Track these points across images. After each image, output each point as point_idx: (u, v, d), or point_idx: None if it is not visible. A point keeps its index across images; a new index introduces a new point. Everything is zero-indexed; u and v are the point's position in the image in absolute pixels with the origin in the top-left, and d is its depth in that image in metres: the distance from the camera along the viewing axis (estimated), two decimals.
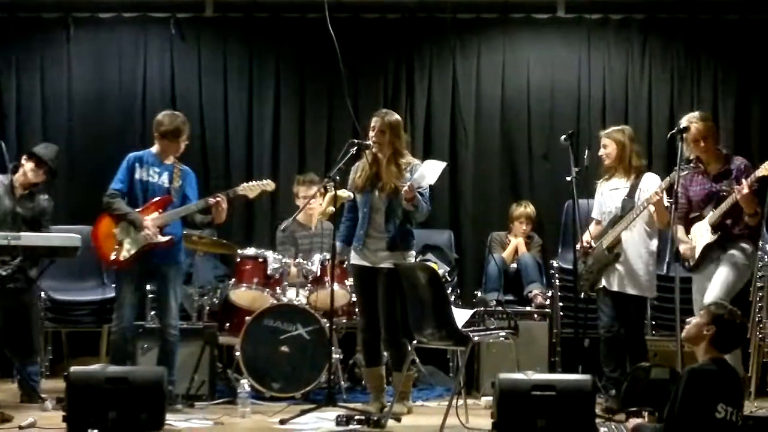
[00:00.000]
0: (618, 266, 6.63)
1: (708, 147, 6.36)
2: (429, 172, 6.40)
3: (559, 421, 5.16)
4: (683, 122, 6.41)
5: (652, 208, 6.52)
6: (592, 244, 6.77)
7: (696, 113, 6.55)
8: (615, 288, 6.66)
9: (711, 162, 6.40)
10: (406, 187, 6.29)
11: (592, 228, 6.91)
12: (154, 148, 6.75)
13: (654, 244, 6.73)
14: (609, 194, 6.79)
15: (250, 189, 6.83)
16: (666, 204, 6.40)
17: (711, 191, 6.33)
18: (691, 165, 6.40)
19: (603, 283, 6.69)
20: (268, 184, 6.92)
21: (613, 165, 6.76)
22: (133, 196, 6.65)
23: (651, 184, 6.65)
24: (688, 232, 6.44)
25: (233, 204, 6.85)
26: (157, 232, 6.55)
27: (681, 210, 6.38)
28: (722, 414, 4.69)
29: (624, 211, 6.66)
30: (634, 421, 5.34)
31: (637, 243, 6.67)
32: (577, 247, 6.81)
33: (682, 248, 6.38)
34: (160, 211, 6.61)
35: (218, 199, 6.62)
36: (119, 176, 6.69)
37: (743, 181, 6.08)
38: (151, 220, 6.55)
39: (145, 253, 6.58)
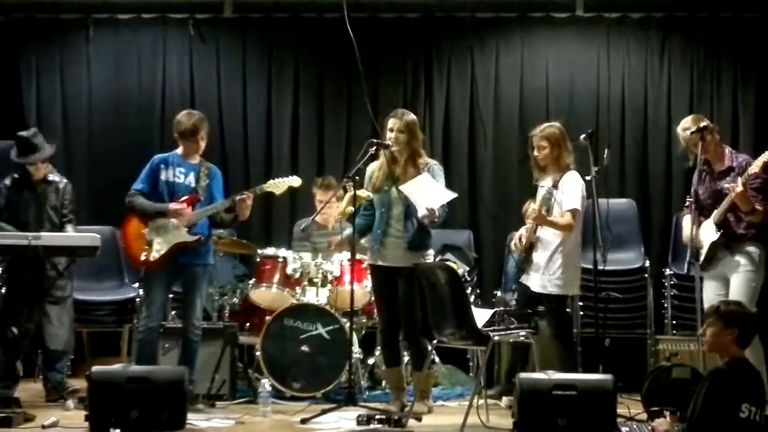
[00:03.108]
0: (532, 269, 6.58)
1: (707, 148, 6.23)
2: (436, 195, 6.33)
3: (581, 420, 5.15)
4: (679, 131, 6.36)
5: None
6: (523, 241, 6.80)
7: (688, 118, 6.48)
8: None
9: (715, 161, 6.29)
10: (425, 213, 6.23)
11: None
12: (179, 149, 6.79)
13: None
14: (538, 192, 6.70)
15: (276, 186, 6.86)
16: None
17: (715, 190, 6.24)
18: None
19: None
20: (294, 180, 6.95)
21: (547, 164, 6.56)
22: (159, 198, 6.67)
23: (567, 183, 6.45)
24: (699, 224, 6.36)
25: (255, 201, 6.86)
26: (190, 214, 6.57)
27: (695, 207, 6.33)
28: (746, 414, 4.68)
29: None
30: (659, 422, 5.32)
31: (550, 241, 6.48)
32: (513, 244, 6.84)
33: (684, 238, 6.33)
34: (188, 209, 6.64)
35: (244, 196, 6.64)
36: (141, 177, 6.74)
37: (738, 179, 6.03)
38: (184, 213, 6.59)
39: (174, 252, 6.60)
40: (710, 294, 6.18)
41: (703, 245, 6.24)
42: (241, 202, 6.62)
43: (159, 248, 6.58)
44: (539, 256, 6.42)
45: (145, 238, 6.61)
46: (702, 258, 6.21)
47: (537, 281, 6.40)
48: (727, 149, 6.38)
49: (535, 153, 6.54)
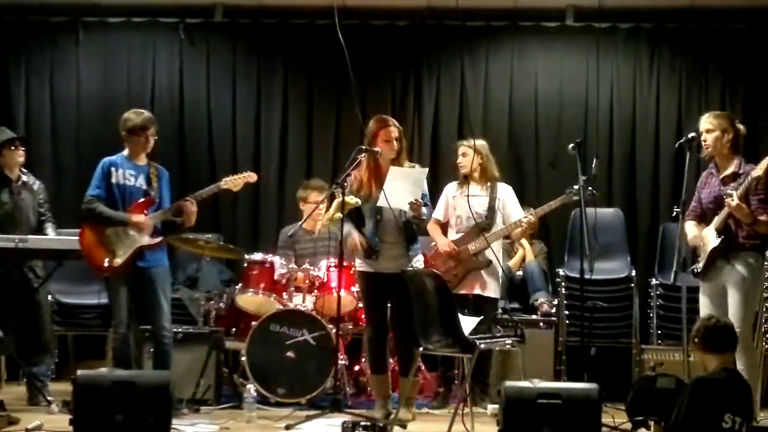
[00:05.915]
0: (482, 271, 7.01)
1: (716, 145, 6.16)
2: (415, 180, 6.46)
3: (565, 429, 5.12)
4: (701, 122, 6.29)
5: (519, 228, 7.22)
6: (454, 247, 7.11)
7: (714, 112, 6.43)
8: (477, 291, 7.01)
9: (723, 164, 6.20)
10: (411, 201, 6.32)
11: (434, 228, 7.22)
12: (125, 151, 6.69)
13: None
14: (466, 200, 7.00)
15: (233, 183, 6.84)
16: None
17: (718, 194, 6.15)
18: None
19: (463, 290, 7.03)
20: (250, 176, 6.92)
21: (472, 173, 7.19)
22: (111, 202, 6.56)
23: (508, 194, 7.20)
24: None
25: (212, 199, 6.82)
26: (150, 224, 6.53)
27: (694, 211, 6.30)
28: (729, 424, 4.68)
29: (489, 220, 7.07)
30: None
31: (499, 251, 7.19)
32: (445, 249, 7.08)
33: (690, 240, 6.26)
34: (145, 213, 6.57)
35: (187, 201, 6.58)
36: (95, 182, 6.61)
37: (734, 192, 5.94)
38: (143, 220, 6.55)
39: (135, 256, 6.53)
40: (705, 310, 6.08)
41: (701, 252, 6.19)
42: (184, 207, 6.58)
43: (122, 253, 6.49)
44: (495, 265, 7.04)
45: (105, 245, 6.50)
46: (701, 265, 6.17)
47: (490, 285, 7.07)
48: (737, 157, 6.19)
49: (466, 160, 7.23)
